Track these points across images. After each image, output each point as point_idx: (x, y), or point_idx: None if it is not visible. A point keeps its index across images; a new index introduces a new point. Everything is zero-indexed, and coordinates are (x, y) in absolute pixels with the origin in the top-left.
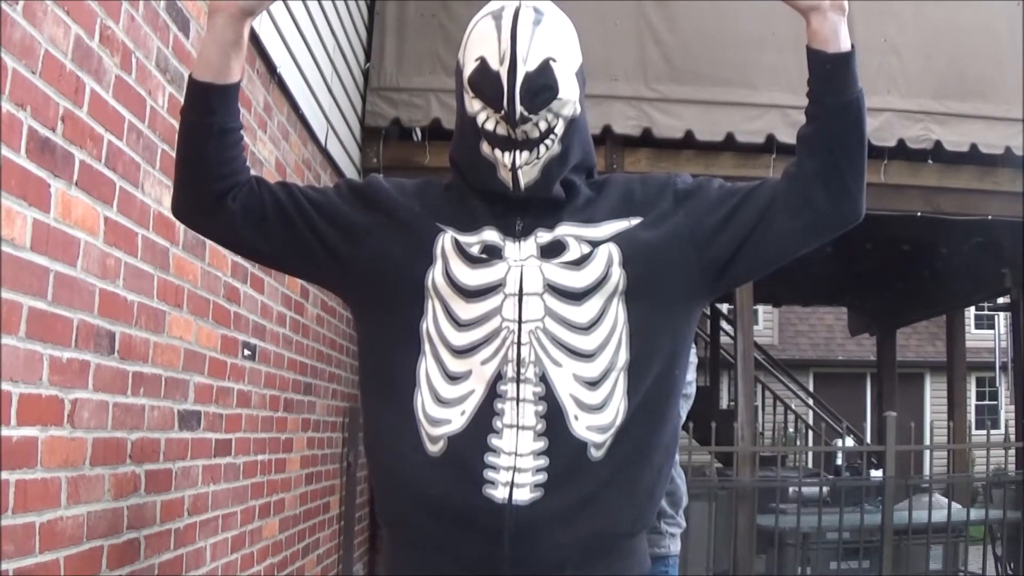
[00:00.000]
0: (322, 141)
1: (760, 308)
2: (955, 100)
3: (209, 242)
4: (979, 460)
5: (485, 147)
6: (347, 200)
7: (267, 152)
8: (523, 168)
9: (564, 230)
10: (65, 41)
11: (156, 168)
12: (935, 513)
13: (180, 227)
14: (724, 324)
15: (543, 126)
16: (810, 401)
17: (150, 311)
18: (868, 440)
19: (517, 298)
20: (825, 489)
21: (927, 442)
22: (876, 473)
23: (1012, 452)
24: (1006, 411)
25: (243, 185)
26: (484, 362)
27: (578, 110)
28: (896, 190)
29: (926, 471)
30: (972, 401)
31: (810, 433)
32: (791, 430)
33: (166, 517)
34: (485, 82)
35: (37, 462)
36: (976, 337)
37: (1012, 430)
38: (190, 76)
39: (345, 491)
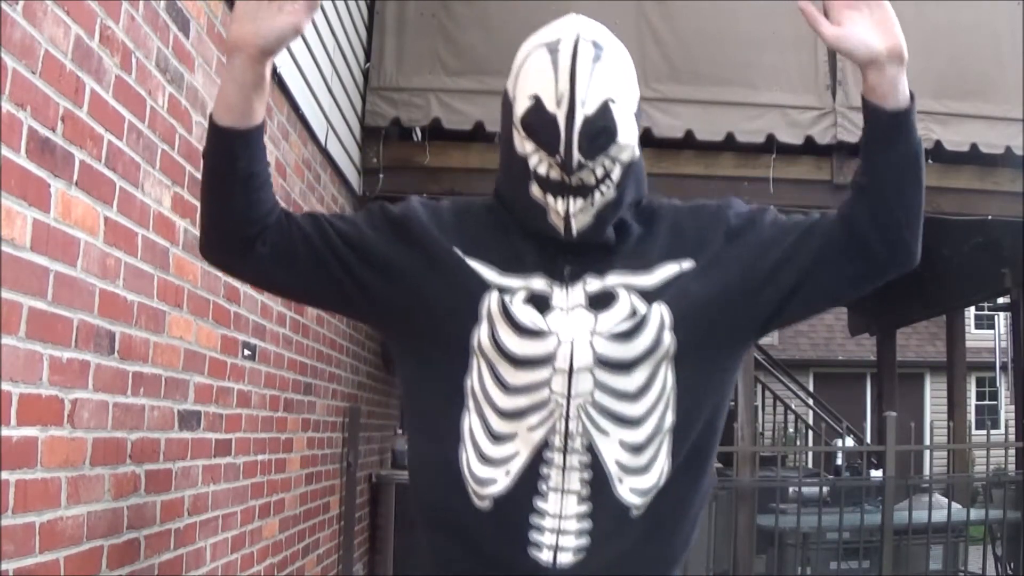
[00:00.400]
0: (322, 141)
1: None
2: (955, 100)
3: None
4: (979, 460)
5: (535, 190)
6: (381, 232)
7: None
8: (576, 216)
9: (614, 279)
10: (65, 41)
11: (156, 168)
12: (935, 513)
13: (180, 227)
14: None
15: (599, 172)
16: (810, 401)
17: (150, 311)
18: (868, 440)
19: (567, 374)
20: (825, 489)
21: (927, 442)
22: (876, 473)
23: (1012, 452)
24: (1006, 411)
25: (272, 227)
26: (531, 429)
27: (636, 154)
28: None
29: (926, 471)
30: (972, 401)
31: (810, 433)
32: (791, 430)
33: (166, 517)
34: (540, 124)
35: (37, 462)
36: (976, 337)
37: (1012, 430)
38: (211, 118)
39: (345, 491)
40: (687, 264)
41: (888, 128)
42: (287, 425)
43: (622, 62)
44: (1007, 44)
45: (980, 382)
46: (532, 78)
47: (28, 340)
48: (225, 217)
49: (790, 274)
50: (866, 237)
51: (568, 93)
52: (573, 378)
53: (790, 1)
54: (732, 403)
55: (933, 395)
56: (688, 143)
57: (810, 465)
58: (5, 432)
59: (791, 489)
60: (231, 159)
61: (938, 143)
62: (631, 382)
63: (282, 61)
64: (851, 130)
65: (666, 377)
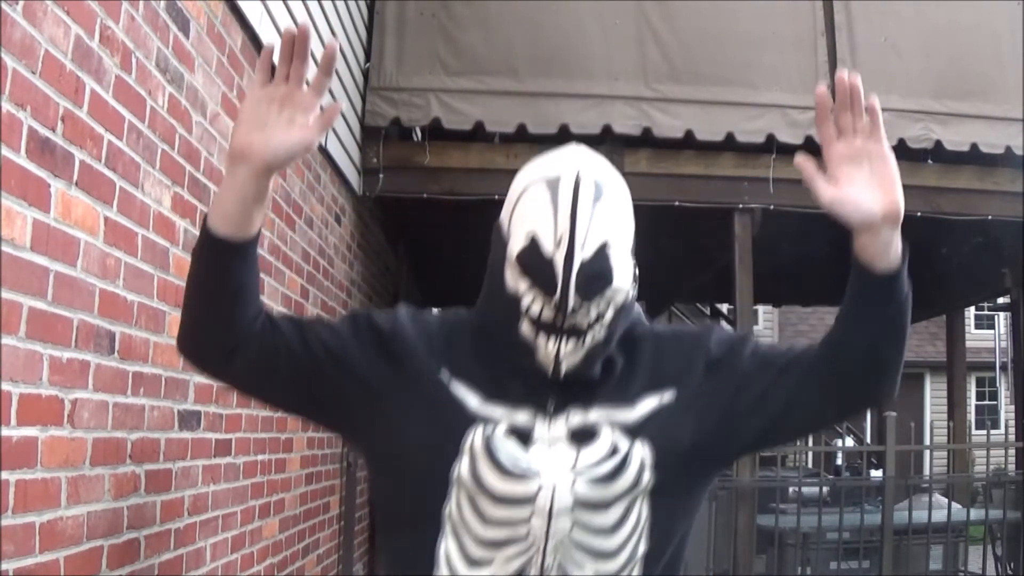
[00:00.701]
0: (322, 141)
1: (760, 308)
2: (955, 100)
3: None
4: (979, 460)
5: (526, 328)
6: (365, 347)
7: None
8: (567, 357)
9: (598, 414)
10: (65, 41)
11: (156, 168)
12: (935, 513)
13: (180, 227)
14: (724, 324)
15: (593, 315)
16: None
17: (150, 311)
18: (868, 440)
19: (547, 515)
20: (825, 489)
21: (927, 442)
22: (876, 473)
23: (1012, 452)
24: (1006, 411)
25: (254, 336)
26: (508, 559)
27: (630, 296)
28: None
29: (926, 471)
30: (972, 401)
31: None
32: None
33: (166, 517)
34: (537, 265)
35: (37, 462)
36: (976, 337)
37: (1012, 430)
38: (205, 223)
39: (345, 491)
40: (668, 396)
41: (876, 289)
42: (287, 425)
43: (621, 200)
44: (1007, 44)
45: (980, 382)
46: (531, 215)
47: (28, 340)
48: (207, 324)
49: (767, 413)
50: (846, 387)
51: (568, 235)
52: (553, 520)
53: (790, 1)
54: None
55: (933, 395)
56: (688, 143)
57: (810, 465)
58: (5, 432)
59: (791, 489)
60: (222, 270)
61: (938, 143)
62: (608, 518)
63: None
64: None
65: (641, 510)
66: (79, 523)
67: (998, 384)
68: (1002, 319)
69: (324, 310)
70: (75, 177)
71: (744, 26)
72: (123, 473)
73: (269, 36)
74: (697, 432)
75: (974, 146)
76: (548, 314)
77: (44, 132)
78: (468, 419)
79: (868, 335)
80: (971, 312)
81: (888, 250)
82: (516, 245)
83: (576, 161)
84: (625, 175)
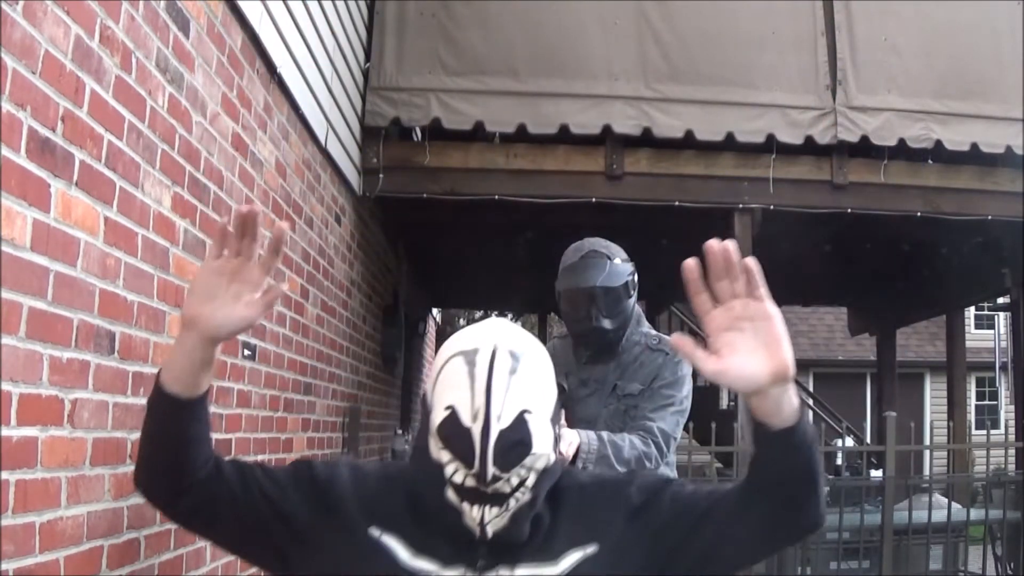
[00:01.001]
0: (322, 141)
1: None
2: (955, 99)
3: (209, 242)
4: (979, 460)
5: (451, 495)
6: (304, 498)
7: (267, 152)
8: (491, 521)
9: (523, 571)
10: (65, 41)
11: (156, 168)
12: (935, 513)
13: (180, 227)
14: None
15: (515, 481)
16: (810, 401)
17: (150, 311)
18: (868, 440)
19: None
20: (825, 489)
21: (927, 442)
22: (876, 473)
23: (1012, 452)
24: (1006, 411)
25: (200, 483)
26: None
27: (551, 460)
28: (896, 190)
29: (926, 471)
30: (972, 401)
31: None
32: None
33: (166, 517)
34: (456, 437)
35: (37, 462)
36: (976, 337)
37: (1012, 430)
38: (158, 377)
39: None
40: (591, 549)
41: (776, 445)
42: (287, 425)
43: (539, 369)
44: (1007, 44)
45: (980, 382)
46: (449, 389)
47: (28, 340)
48: (158, 469)
49: (691, 555)
50: (768, 525)
51: (484, 408)
52: None
53: (790, 1)
54: (732, 403)
55: (933, 395)
56: (688, 143)
57: None
58: (5, 432)
59: None
60: (172, 423)
61: (938, 142)
62: None
63: (282, 61)
64: (851, 130)
65: None
66: (79, 523)
67: (998, 384)
68: (1002, 319)
69: (324, 310)
70: (75, 177)
71: (744, 26)
72: (123, 473)
73: (269, 35)
74: (625, 573)
75: (974, 146)
76: (471, 482)
77: (44, 132)
78: (396, 570)
79: (778, 483)
80: (971, 312)
81: (781, 407)
82: (437, 417)
83: (493, 334)
84: (625, 175)
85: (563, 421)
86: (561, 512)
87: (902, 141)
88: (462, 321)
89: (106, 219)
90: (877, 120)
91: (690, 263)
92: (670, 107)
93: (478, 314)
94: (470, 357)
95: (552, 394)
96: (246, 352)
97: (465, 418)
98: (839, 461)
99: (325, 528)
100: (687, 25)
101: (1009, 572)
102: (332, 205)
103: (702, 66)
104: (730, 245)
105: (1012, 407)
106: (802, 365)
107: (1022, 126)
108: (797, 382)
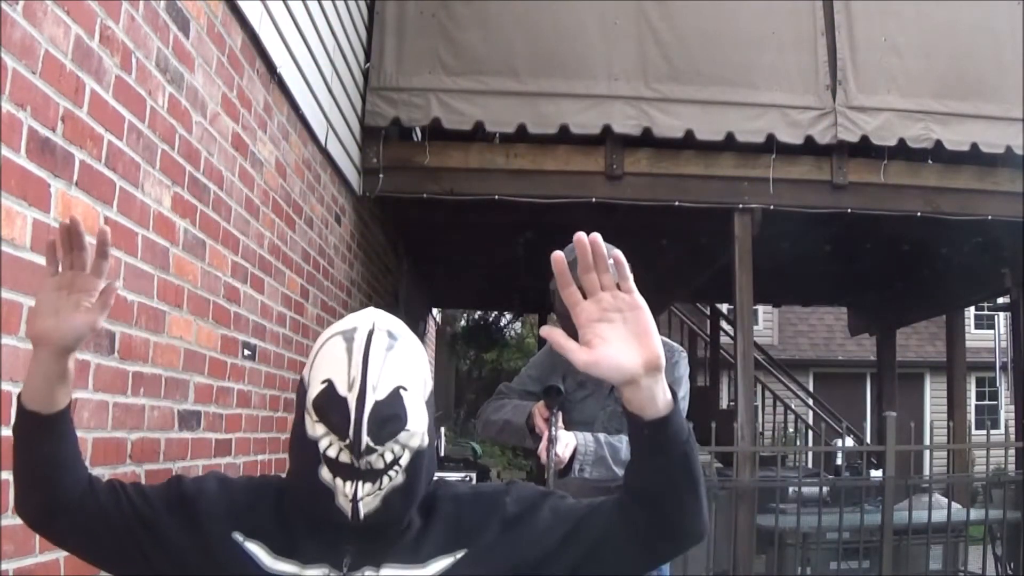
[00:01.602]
0: (322, 141)
1: (760, 308)
2: (955, 100)
3: (209, 242)
4: (979, 460)
5: (325, 473)
6: (172, 512)
7: (267, 152)
8: (364, 499)
9: (388, 572)
10: (65, 41)
11: (156, 168)
12: (935, 513)
13: (180, 227)
14: (724, 324)
15: (388, 457)
16: (810, 401)
17: (150, 311)
18: (868, 440)
19: None
20: (825, 489)
21: (927, 442)
22: (876, 473)
23: (1012, 452)
24: (1006, 411)
25: (73, 504)
26: None
27: (425, 441)
28: (896, 190)
29: (926, 471)
30: (972, 401)
31: (810, 433)
32: (791, 430)
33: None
34: (331, 407)
35: None
36: (976, 337)
37: (1012, 430)
38: (19, 398)
39: None
40: (460, 554)
41: (650, 438)
42: (287, 425)
43: (415, 353)
44: (1007, 44)
45: (980, 382)
46: (326, 363)
47: (28, 340)
48: (28, 490)
49: (567, 562)
50: (649, 536)
51: (360, 377)
52: None
53: (790, 1)
54: (732, 403)
55: (933, 395)
56: (688, 143)
57: (810, 465)
58: (5, 432)
59: (791, 489)
60: (37, 441)
61: (938, 142)
62: None
63: (282, 61)
64: (851, 130)
65: None
66: None
67: (998, 384)
68: (1002, 319)
69: (324, 310)
70: (75, 177)
71: (744, 26)
72: (123, 473)
73: (269, 35)
74: None
75: (974, 146)
76: (345, 456)
77: (44, 132)
78: (258, 572)
79: (657, 483)
80: (971, 312)
81: (655, 398)
82: (313, 391)
83: (371, 316)
84: (625, 175)
85: (560, 423)
86: (433, 518)
87: (902, 141)
88: (462, 321)
89: (106, 219)
90: (877, 120)
91: (558, 255)
92: (670, 107)
93: (478, 314)
94: (348, 335)
95: (428, 382)
96: (246, 352)
97: (341, 388)
98: (839, 461)
99: (188, 539)
100: (687, 25)
101: (1009, 572)
102: (332, 205)
103: (702, 66)
104: (597, 237)
105: (1012, 407)
106: (802, 365)
107: (1022, 126)
108: (796, 381)
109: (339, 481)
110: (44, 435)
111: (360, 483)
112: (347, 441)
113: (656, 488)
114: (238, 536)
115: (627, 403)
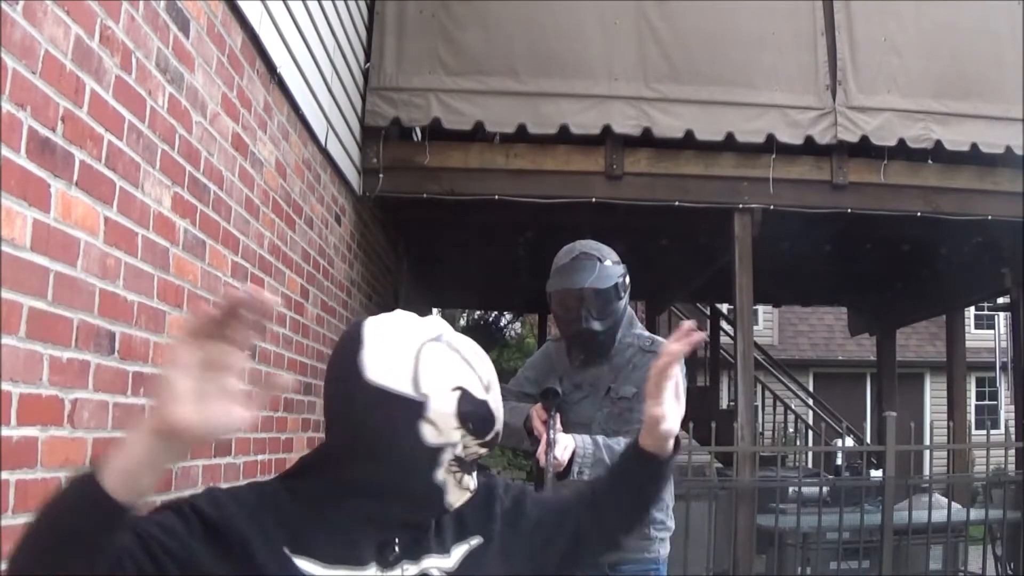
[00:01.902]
0: (322, 141)
1: (760, 308)
2: (955, 100)
3: (209, 242)
4: (979, 460)
5: (440, 474)
6: (199, 540)
7: (267, 152)
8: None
9: (426, 563)
10: (65, 41)
11: (156, 168)
12: (935, 513)
13: (180, 227)
14: (724, 324)
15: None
16: (810, 401)
17: (150, 311)
18: (868, 440)
19: None
20: (825, 489)
21: (927, 442)
22: (876, 473)
23: (1012, 452)
24: (1006, 411)
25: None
26: None
27: None
28: (896, 190)
29: (926, 471)
30: (972, 401)
31: (810, 433)
32: (791, 430)
33: None
34: (475, 412)
35: (37, 462)
36: (976, 337)
37: (1012, 430)
38: (92, 481)
39: None
40: (475, 541)
41: (653, 470)
42: (287, 425)
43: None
44: (1007, 44)
45: (980, 382)
46: (444, 371)
47: (28, 340)
48: (57, 569)
49: (558, 550)
50: (597, 528)
51: (493, 379)
52: None
53: (790, 1)
54: (732, 403)
55: (933, 395)
56: (688, 143)
57: (810, 465)
58: (5, 432)
59: (791, 489)
60: (104, 530)
61: (938, 143)
62: None
63: (282, 61)
64: (851, 130)
65: None
66: None
67: (998, 384)
68: (1002, 319)
69: (324, 310)
70: (75, 177)
71: (744, 26)
72: None
73: (269, 35)
74: (510, 569)
75: (974, 146)
76: (472, 454)
77: (44, 132)
78: None
79: (627, 502)
80: (971, 312)
81: (669, 446)
82: (444, 402)
83: (432, 322)
84: (625, 175)
85: (559, 426)
86: (444, 518)
87: (902, 141)
88: (462, 321)
89: (106, 219)
90: (877, 120)
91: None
92: (670, 107)
93: (478, 314)
94: (445, 340)
95: None
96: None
97: (478, 392)
98: (839, 461)
99: (230, 568)
100: (687, 25)
101: (1009, 572)
102: (332, 205)
103: (702, 66)
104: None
105: (1012, 407)
106: (802, 365)
107: (1022, 126)
108: (796, 381)
109: (466, 478)
110: (115, 525)
111: (473, 474)
112: (487, 438)
113: (625, 504)
114: (286, 550)
115: (649, 445)
